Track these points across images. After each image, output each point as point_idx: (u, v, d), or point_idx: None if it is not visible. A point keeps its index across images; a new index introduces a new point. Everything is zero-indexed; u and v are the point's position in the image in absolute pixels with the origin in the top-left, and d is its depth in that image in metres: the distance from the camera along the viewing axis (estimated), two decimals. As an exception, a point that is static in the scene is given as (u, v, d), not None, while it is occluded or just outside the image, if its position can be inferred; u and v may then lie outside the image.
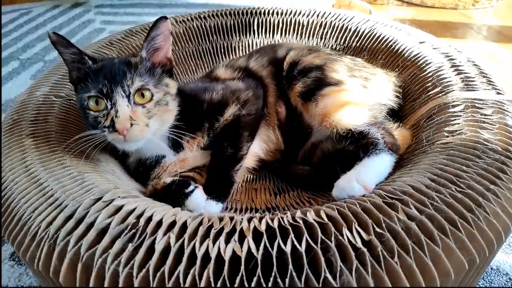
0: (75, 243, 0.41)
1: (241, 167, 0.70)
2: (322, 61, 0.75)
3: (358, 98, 0.71)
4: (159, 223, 0.44)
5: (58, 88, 0.76)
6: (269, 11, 1.12)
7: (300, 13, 1.11)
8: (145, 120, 0.60)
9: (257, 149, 0.76)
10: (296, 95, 0.74)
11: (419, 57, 0.82)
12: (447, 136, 0.58)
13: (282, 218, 0.45)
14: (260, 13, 1.13)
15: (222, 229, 0.44)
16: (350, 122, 0.66)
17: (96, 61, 0.64)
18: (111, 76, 0.60)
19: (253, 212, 0.68)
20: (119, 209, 0.46)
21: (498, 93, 0.65)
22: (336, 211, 0.45)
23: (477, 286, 0.68)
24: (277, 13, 1.12)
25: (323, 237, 0.41)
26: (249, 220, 0.45)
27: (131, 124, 0.58)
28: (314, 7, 1.12)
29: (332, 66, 0.75)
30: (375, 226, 0.42)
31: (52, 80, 0.78)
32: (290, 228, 0.43)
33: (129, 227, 0.43)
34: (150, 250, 0.40)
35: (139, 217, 0.45)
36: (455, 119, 0.61)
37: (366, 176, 0.56)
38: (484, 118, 0.59)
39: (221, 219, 0.46)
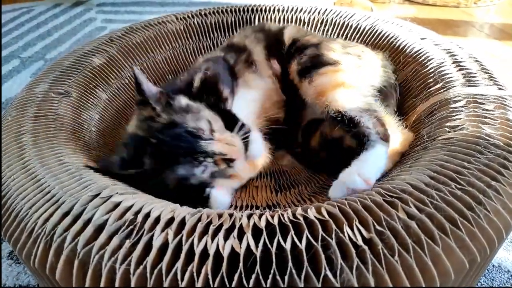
0: (71, 239, 0.41)
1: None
2: (318, 40, 0.79)
3: (353, 79, 0.71)
4: (157, 220, 0.43)
5: (58, 84, 0.75)
6: (270, 8, 1.12)
7: (301, 10, 1.10)
8: None
9: (256, 97, 0.78)
10: (294, 72, 0.76)
11: (420, 53, 0.81)
12: (449, 132, 0.57)
13: (282, 215, 0.44)
14: (261, 10, 1.12)
15: (221, 225, 0.43)
16: (343, 104, 0.66)
17: None
18: None
19: (253, 209, 0.67)
20: (116, 205, 0.45)
21: (499, 88, 0.64)
22: (337, 208, 0.44)
23: (479, 284, 0.67)
24: (278, 10, 1.11)
25: (323, 234, 0.40)
26: (249, 216, 0.45)
27: None
28: (315, 4, 1.11)
29: (328, 44, 0.77)
30: (375, 224, 0.41)
31: (51, 77, 0.77)
32: (290, 225, 0.42)
33: (126, 224, 0.42)
34: (148, 246, 0.40)
35: (137, 213, 0.44)
36: (457, 115, 0.60)
37: (367, 171, 0.56)
38: (486, 113, 0.58)
39: (220, 216, 0.45)
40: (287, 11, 1.11)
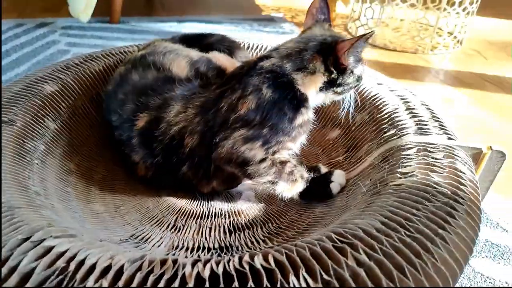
0: (-9, 291, 0.37)
1: None
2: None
3: None
4: (92, 268, 0.40)
5: (3, 112, 0.70)
6: (246, 45, 1.11)
7: (266, 49, 1.11)
8: None
9: None
10: None
11: (376, 98, 0.84)
12: (400, 178, 0.59)
13: (228, 262, 0.43)
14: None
15: (162, 274, 0.41)
16: None
17: None
18: None
19: (204, 251, 0.65)
20: (48, 250, 0.41)
21: (449, 138, 0.67)
22: (284, 255, 0.43)
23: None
24: (257, 48, 1.10)
25: (268, 285, 0.39)
26: (193, 264, 0.43)
27: None
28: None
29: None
30: (322, 273, 0.40)
31: (-4, 103, 0.72)
32: (235, 274, 0.41)
33: (56, 273, 0.39)
34: (78, 299, 0.37)
35: (70, 260, 0.40)
36: (408, 162, 0.62)
37: None
38: (435, 161, 0.60)
39: (163, 263, 0.43)
40: (258, 49, 1.10)
